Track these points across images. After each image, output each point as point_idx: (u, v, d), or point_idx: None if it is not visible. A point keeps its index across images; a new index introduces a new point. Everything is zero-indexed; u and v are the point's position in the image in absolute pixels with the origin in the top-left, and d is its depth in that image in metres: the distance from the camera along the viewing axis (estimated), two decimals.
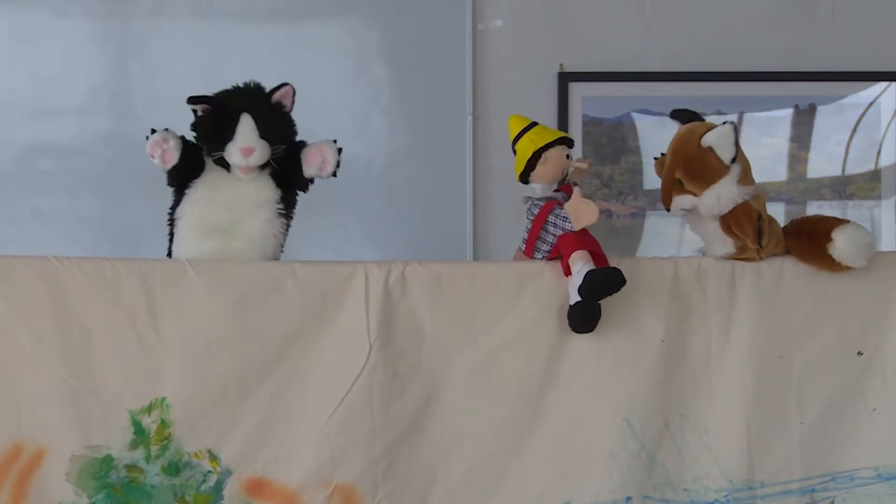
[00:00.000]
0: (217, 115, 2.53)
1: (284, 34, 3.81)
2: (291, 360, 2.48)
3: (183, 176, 2.55)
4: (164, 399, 2.46)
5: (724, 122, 2.54)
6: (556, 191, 2.59)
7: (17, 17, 3.76)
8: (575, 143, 2.63)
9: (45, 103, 3.75)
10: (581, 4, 3.81)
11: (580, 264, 2.45)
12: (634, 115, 3.81)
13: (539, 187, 2.59)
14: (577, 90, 3.78)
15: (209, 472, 2.47)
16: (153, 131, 2.50)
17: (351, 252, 3.54)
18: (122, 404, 2.46)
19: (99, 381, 2.45)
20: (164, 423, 2.46)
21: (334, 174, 2.58)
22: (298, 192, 2.62)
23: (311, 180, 2.60)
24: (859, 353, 2.57)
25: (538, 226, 2.57)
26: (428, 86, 3.78)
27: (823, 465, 2.56)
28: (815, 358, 2.56)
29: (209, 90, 3.65)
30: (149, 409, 2.46)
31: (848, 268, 2.54)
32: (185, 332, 2.47)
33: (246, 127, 2.51)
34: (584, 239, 2.50)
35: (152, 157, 2.51)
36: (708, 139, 2.52)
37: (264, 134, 2.51)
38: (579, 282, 2.43)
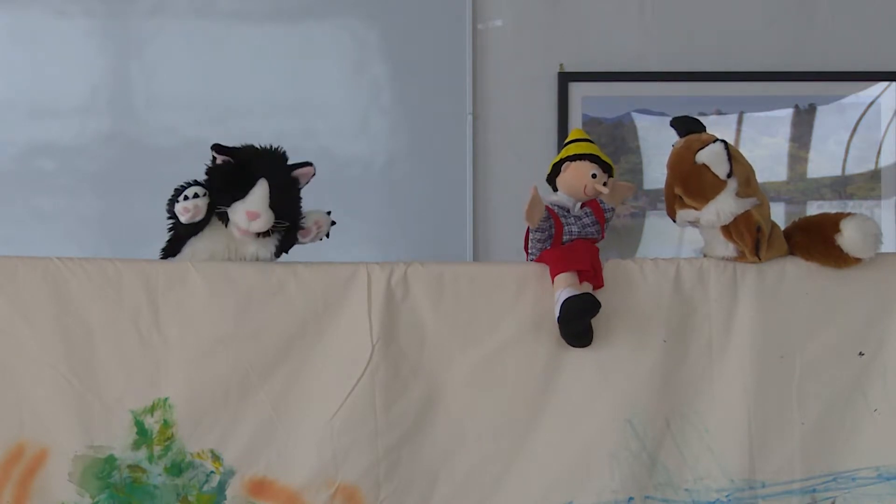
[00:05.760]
0: (236, 171, 2.49)
1: (284, 34, 3.81)
2: (294, 361, 2.49)
3: (195, 228, 2.52)
4: (166, 399, 2.46)
5: (716, 140, 2.54)
6: (581, 206, 2.60)
7: (17, 17, 3.76)
8: (612, 171, 2.63)
9: (45, 103, 3.75)
10: (581, 4, 3.81)
11: (559, 291, 2.48)
12: (634, 115, 3.81)
13: (560, 195, 2.61)
14: (577, 90, 3.79)
15: (212, 472, 2.47)
16: (182, 191, 2.47)
17: (350, 252, 3.53)
18: (124, 404, 2.46)
19: (101, 381, 2.46)
20: (166, 424, 2.46)
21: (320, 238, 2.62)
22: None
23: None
24: (860, 354, 2.57)
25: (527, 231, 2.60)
26: (428, 86, 3.78)
27: (824, 465, 2.56)
28: (817, 358, 2.56)
29: (209, 90, 3.67)
30: (151, 410, 2.46)
31: (855, 260, 2.55)
32: (187, 332, 2.47)
33: (259, 192, 2.47)
34: (569, 257, 2.51)
35: (181, 215, 2.47)
36: (701, 157, 2.53)
37: (275, 205, 2.48)
38: (557, 313, 2.46)
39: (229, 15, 3.79)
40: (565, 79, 3.78)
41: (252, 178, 2.48)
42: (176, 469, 2.47)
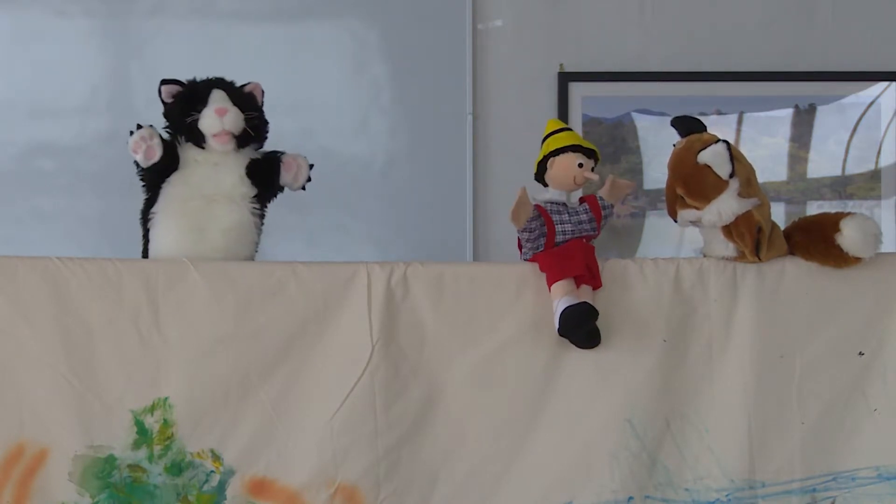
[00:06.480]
0: (189, 93, 2.62)
1: (284, 34, 3.81)
2: (294, 361, 2.49)
3: (162, 173, 2.59)
4: (166, 399, 2.46)
5: (717, 141, 2.54)
6: (580, 202, 2.61)
7: (17, 17, 3.76)
8: (596, 155, 2.63)
9: (45, 103, 3.74)
10: (581, 4, 3.81)
11: (556, 301, 2.48)
12: (634, 115, 3.81)
13: (551, 191, 2.61)
14: (577, 90, 3.79)
15: (212, 471, 2.47)
16: (139, 126, 2.55)
17: (350, 252, 3.54)
18: (124, 404, 2.46)
19: (101, 380, 2.46)
20: (166, 423, 2.46)
21: (303, 188, 2.64)
22: (270, 196, 2.65)
23: (282, 189, 2.65)
24: (860, 354, 2.58)
25: None
26: (428, 86, 3.78)
27: (824, 464, 2.56)
28: (816, 358, 2.56)
29: None
30: (151, 409, 2.46)
31: (854, 260, 2.55)
32: (187, 332, 2.47)
33: (217, 95, 2.60)
34: (564, 265, 2.51)
35: (135, 153, 2.56)
36: (703, 158, 2.53)
37: (236, 102, 2.59)
38: (556, 324, 2.47)
39: (229, 15, 3.79)
40: (565, 79, 3.78)
41: (206, 91, 2.61)
42: (176, 469, 2.47)
